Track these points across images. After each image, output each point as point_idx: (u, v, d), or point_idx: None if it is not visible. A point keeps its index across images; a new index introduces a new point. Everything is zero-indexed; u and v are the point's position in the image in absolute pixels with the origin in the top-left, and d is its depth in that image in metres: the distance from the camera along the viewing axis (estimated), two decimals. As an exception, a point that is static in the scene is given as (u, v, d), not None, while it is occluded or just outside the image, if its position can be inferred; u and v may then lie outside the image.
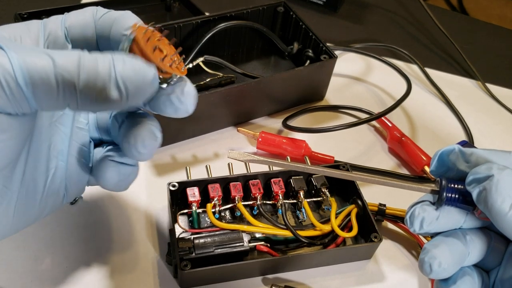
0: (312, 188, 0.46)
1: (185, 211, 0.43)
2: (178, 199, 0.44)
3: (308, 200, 0.45)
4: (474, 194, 0.29)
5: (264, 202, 0.45)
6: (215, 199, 0.43)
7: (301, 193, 0.45)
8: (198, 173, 0.46)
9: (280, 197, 0.45)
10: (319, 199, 0.46)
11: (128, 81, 0.27)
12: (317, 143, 0.53)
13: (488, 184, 0.28)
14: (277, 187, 0.45)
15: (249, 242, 0.41)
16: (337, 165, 0.47)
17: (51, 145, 0.32)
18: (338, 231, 0.43)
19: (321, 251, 0.42)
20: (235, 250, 0.41)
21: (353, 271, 0.44)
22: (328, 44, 0.58)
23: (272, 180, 0.45)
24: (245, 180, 0.45)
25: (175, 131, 0.51)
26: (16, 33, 0.30)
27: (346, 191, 0.47)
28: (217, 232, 0.42)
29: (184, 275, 0.39)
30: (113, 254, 0.42)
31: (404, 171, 0.54)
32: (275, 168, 0.47)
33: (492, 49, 0.76)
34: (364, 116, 0.58)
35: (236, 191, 0.44)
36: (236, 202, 0.44)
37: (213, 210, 0.43)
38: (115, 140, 0.36)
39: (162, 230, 0.44)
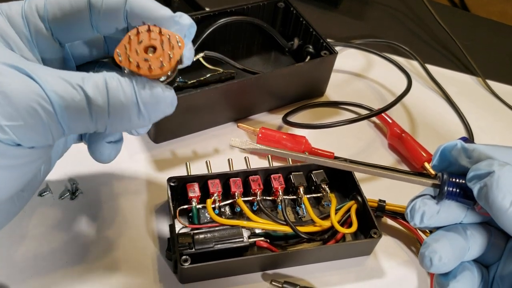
0: (312, 184, 0.46)
1: (185, 206, 0.43)
2: (178, 194, 0.44)
3: (308, 196, 0.45)
4: (475, 190, 0.29)
5: (264, 198, 0.45)
6: (215, 194, 0.43)
7: (301, 189, 0.45)
8: (198, 168, 0.46)
9: (280, 193, 0.45)
10: (319, 195, 0.46)
11: (150, 110, 0.31)
12: (317, 139, 0.53)
13: (489, 180, 0.28)
14: (277, 183, 0.45)
15: (249, 237, 0.41)
16: (337, 161, 0.47)
17: None
18: (338, 227, 0.43)
19: (321, 247, 0.43)
20: (235, 245, 0.41)
21: (352, 267, 0.44)
22: (328, 40, 0.58)
23: (272, 176, 0.45)
24: (245, 176, 0.45)
25: (175, 126, 0.51)
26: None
27: (346, 187, 0.47)
28: (217, 228, 0.42)
29: (184, 270, 0.39)
30: (113, 249, 0.42)
31: (404, 167, 0.54)
32: (275, 164, 0.47)
33: (492, 45, 0.76)
34: (364, 112, 0.58)
35: (236, 187, 0.44)
36: (236, 198, 0.44)
37: (213, 205, 0.43)
38: None
39: (162, 225, 0.44)
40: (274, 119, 0.56)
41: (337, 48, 0.57)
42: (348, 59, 0.67)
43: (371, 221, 0.43)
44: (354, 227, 0.43)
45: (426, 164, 0.52)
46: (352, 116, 0.57)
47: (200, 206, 0.43)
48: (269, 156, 0.48)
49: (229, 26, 0.59)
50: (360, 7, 0.79)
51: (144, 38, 0.31)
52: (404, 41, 0.68)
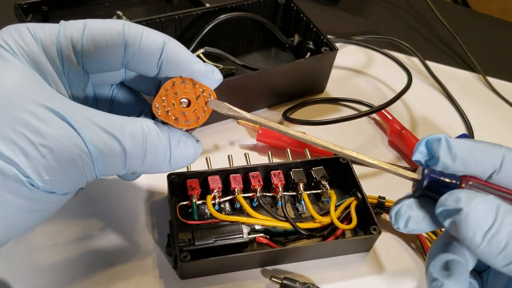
0: (311, 180, 0.47)
1: (185, 202, 0.43)
2: (178, 190, 0.44)
3: (308, 192, 0.46)
4: (446, 225, 0.28)
5: (264, 194, 0.45)
6: (215, 191, 0.43)
7: (301, 185, 0.45)
8: (198, 165, 0.46)
9: (280, 189, 0.45)
10: (318, 191, 0.46)
11: (178, 162, 0.33)
12: (317, 136, 0.52)
13: (458, 217, 0.27)
14: (277, 179, 0.45)
15: (249, 234, 0.41)
16: (336, 158, 0.47)
17: None
18: (338, 223, 0.43)
19: (320, 243, 0.43)
20: (234, 241, 0.41)
21: (352, 263, 0.44)
22: (329, 36, 0.58)
23: (272, 172, 0.45)
24: (245, 172, 0.45)
25: (175, 122, 0.51)
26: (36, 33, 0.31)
27: (346, 184, 0.47)
28: (216, 224, 0.42)
29: (183, 266, 0.39)
30: (113, 245, 0.42)
31: (403, 164, 0.54)
32: (275, 160, 0.47)
33: (493, 42, 0.76)
34: (364, 108, 0.58)
35: (236, 183, 0.44)
36: (236, 194, 0.44)
37: (213, 202, 0.43)
38: None
39: (162, 221, 0.44)
40: (274, 116, 0.56)
41: (337, 45, 0.57)
42: (349, 55, 0.66)
43: (370, 218, 0.43)
44: (354, 223, 0.43)
45: (426, 161, 0.52)
46: (352, 112, 0.57)
47: (200, 202, 0.43)
48: (269, 152, 0.48)
49: (229, 22, 0.59)
50: (360, 3, 0.79)
51: (179, 90, 0.33)
52: (404, 38, 0.68)
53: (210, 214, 0.42)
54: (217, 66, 0.55)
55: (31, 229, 0.31)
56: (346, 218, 0.45)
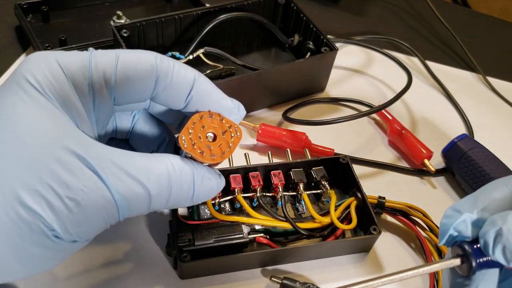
0: (311, 180, 0.47)
1: (185, 202, 0.43)
2: (178, 190, 0.44)
3: (308, 192, 0.46)
4: (497, 255, 0.27)
5: (264, 194, 0.45)
6: (215, 191, 0.43)
7: (301, 185, 0.45)
8: (198, 165, 0.46)
9: (280, 189, 0.45)
10: (318, 191, 0.46)
11: (201, 198, 0.33)
12: (317, 136, 0.53)
13: (504, 238, 0.27)
14: (277, 179, 0.45)
15: (249, 234, 0.42)
16: (336, 158, 0.47)
17: None
18: (337, 223, 0.43)
19: (320, 243, 0.43)
20: (234, 241, 0.41)
21: (352, 263, 0.44)
22: (329, 36, 0.58)
23: (272, 172, 0.45)
24: (245, 172, 0.45)
25: (175, 122, 0.51)
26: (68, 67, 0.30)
27: (346, 184, 0.47)
28: (216, 224, 0.42)
29: (183, 266, 0.39)
30: (113, 245, 0.42)
31: (404, 164, 0.54)
32: (275, 160, 0.47)
33: (493, 42, 0.76)
34: (364, 108, 0.58)
35: (235, 183, 0.44)
36: (236, 194, 0.44)
37: (213, 202, 0.43)
38: None
39: (162, 221, 0.44)
40: (274, 116, 0.56)
41: (337, 45, 0.57)
42: (349, 55, 0.66)
43: (370, 218, 0.43)
44: (354, 223, 0.43)
45: (426, 161, 0.52)
46: (352, 112, 0.57)
47: (200, 202, 0.43)
48: (269, 152, 0.48)
49: (229, 22, 0.59)
50: (360, 3, 0.79)
51: (206, 123, 0.33)
52: (404, 38, 0.68)
53: (210, 214, 0.42)
54: (217, 66, 0.55)
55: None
56: (346, 218, 0.45)
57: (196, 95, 0.32)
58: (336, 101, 0.60)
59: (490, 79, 0.67)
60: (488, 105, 0.64)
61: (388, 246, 0.46)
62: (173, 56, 0.52)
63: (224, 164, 0.46)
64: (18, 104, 0.28)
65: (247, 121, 0.53)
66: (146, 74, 0.31)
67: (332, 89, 0.61)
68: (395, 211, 0.46)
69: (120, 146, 0.33)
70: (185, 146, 0.32)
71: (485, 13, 0.83)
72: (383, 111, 0.56)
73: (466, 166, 0.50)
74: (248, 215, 0.43)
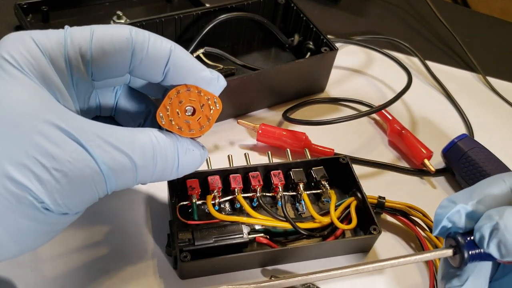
0: (311, 180, 0.47)
1: (185, 202, 0.43)
2: (178, 190, 0.44)
3: (308, 192, 0.46)
4: (492, 250, 0.28)
5: (264, 194, 0.45)
6: (215, 191, 0.43)
7: (301, 185, 0.45)
8: (198, 165, 0.46)
9: (280, 189, 0.45)
10: (318, 191, 0.46)
11: (185, 169, 0.34)
12: (317, 136, 0.53)
13: (500, 233, 0.27)
14: (277, 179, 0.45)
15: (249, 234, 0.42)
16: (336, 158, 0.47)
17: None
18: (337, 223, 0.43)
19: (320, 243, 0.43)
20: (234, 241, 0.41)
21: (352, 263, 0.44)
22: (329, 36, 0.58)
23: (272, 172, 0.45)
24: (245, 172, 0.45)
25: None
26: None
27: (346, 184, 0.47)
28: (216, 224, 0.42)
29: (183, 266, 0.39)
30: (113, 245, 0.42)
31: (404, 164, 0.54)
32: (275, 160, 0.47)
33: (493, 42, 0.76)
34: (364, 108, 0.58)
35: (236, 183, 0.44)
36: (236, 194, 0.44)
37: (213, 202, 0.43)
38: None
39: (162, 221, 0.44)
40: (274, 116, 0.56)
41: (337, 45, 0.57)
42: (349, 55, 0.66)
43: (370, 218, 0.43)
44: (354, 223, 0.43)
45: (426, 161, 0.52)
46: (352, 112, 0.57)
47: (200, 202, 0.43)
48: (269, 152, 0.48)
49: (229, 22, 0.59)
50: (360, 3, 0.79)
51: (184, 98, 0.33)
52: (404, 38, 0.68)
53: (210, 214, 0.42)
54: (217, 66, 0.55)
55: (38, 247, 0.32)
56: (346, 218, 0.45)
57: (174, 67, 0.32)
58: (336, 101, 0.60)
59: (490, 79, 0.67)
60: (488, 105, 0.64)
61: (388, 246, 0.46)
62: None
63: (224, 164, 0.46)
64: None
65: (247, 121, 0.53)
66: (122, 47, 0.31)
67: (332, 89, 0.61)
68: (395, 211, 0.46)
69: (106, 123, 0.34)
70: (163, 123, 0.32)
71: (485, 13, 0.83)
72: (383, 111, 0.56)
73: (466, 166, 0.50)
74: (248, 215, 0.43)
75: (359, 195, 0.45)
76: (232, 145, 0.52)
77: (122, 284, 0.40)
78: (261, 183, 0.44)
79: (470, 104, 0.63)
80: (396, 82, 0.63)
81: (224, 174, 0.45)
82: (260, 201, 0.44)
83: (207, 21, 0.56)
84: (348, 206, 0.45)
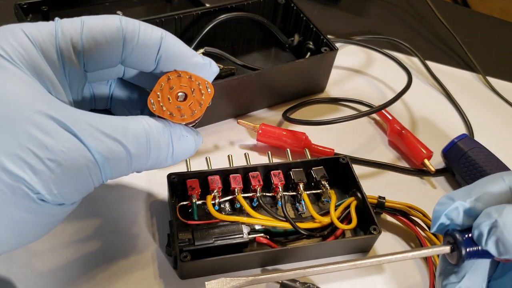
0: (311, 180, 0.47)
1: (185, 202, 0.43)
2: (178, 190, 0.44)
3: (308, 192, 0.46)
4: (490, 247, 0.28)
5: (264, 194, 0.45)
6: (215, 191, 0.43)
7: (301, 185, 0.45)
8: (198, 165, 0.46)
9: (280, 189, 0.45)
10: (318, 191, 0.46)
11: (180, 156, 0.34)
12: (317, 136, 0.53)
13: (498, 231, 0.27)
14: (277, 179, 0.45)
15: (249, 234, 0.42)
16: (336, 158, 0.47)
17: None
18: (337, 223, 0.43)
19: (320, 243, 0.43)
20: (234, 241, 0.41)
21: (352, 263, 0.44)
22: (329, 36, 0.58)
23: (272, 172, 0.45)
24: (245, 172, 0.45)
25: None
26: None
27: (346, 184, 0.47)
28: (216, 224, 0.42)
29: (183, 266, 0.39)
30: (113, 245, 0.42)
31: (404, 164, 0.54)
32: (275, 160, 0.47)
33: (493, 42, 0.76)
34: (364, 108, 0.58)
35: (236, 183, 0.44)
36: (236, 194, 0.44)
37: (213, 202, 0.43)
38: None
39: (162, 221, 0.44)
40: (274, 116, 0.56)
41: (337, 45, 0.57)
42: (349, 55, 0.66)
43: (370, 218, 0.43)
44: (354, 223, 0.43)
45: (426, 161, 0.52)
46: (352, 112, 0.57)
47: (200, 202, 0.43)
48: (269, 152, 0.48)
49: (229, 22, 0.59)
50: (360, 3, 0.79)
51: (174, 84, 0.33)
52: (404, 38, 0.68)
53: (210, 214, 0.42)
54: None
55: (37, 240, 0.32)
56: (346, 218, 0.45)
57: (165, 54, 0.32)
58: (336, 101, 0.60)
59: (490, 79, 0.67)
60: (488, 105, 0.64)
61: (388, 246, 0.46)
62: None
63: (224, 164, 0.46)
64: None
65: (247, 121, 0.53)
66: (113, 36, 0.31)
67: (332, 89, 0.61)
68: (395, 211, 0.46)
69: None
70: (154, 109, 0.32)
71: (485, 13, 0.83)
72: (383, 111, 0.56)
73: (466, 166, 0.50)
74: (248, 215, 0.43)
75: (359, 195, 0.45)
76: (232, 145, 0.52)
77: (122, 284, 0.40)
78: (261, 183, 0.44)
79: (470, 104, 0.63)
80: (396, 82, 0.63)
81: (224, 174, 0.45)
82: (260, 201, 0.44)
83: (207, 21, 0.56)
84: (348, 206, 0.45)
